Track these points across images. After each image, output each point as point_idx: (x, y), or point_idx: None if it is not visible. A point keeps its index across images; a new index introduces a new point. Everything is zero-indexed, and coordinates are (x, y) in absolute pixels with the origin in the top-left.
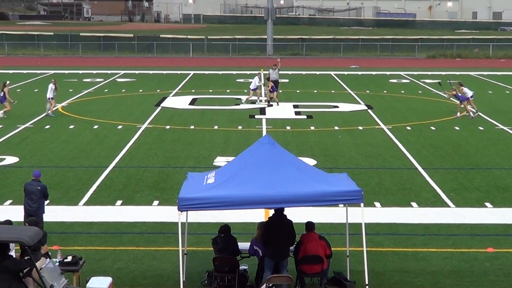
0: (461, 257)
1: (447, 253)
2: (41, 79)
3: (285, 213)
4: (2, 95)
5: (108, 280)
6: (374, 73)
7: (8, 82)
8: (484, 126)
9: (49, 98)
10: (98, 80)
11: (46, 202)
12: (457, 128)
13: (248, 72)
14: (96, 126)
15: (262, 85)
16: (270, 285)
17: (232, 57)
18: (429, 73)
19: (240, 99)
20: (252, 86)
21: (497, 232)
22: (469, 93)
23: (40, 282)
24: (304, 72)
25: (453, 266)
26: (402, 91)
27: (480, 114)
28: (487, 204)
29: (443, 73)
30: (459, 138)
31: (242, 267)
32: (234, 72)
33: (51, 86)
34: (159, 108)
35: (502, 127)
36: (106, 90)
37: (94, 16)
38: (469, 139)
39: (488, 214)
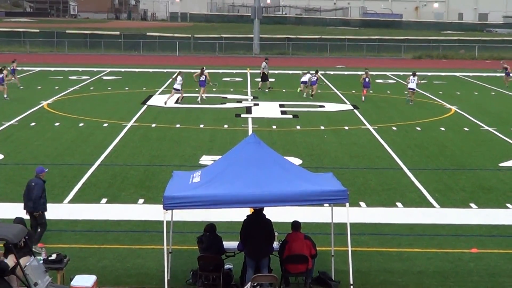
0: (446, 258)
1: (431, 253)
2: (27, 76)
3: (270, 212)
4: (0, 77)
5: (92, 278)
6: (360, 73)
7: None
8: (469, 127)
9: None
10: (84, 77)
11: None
12: (442, 128)
13: (234, 71)
14: (81, 124)
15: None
16: (255, 284)
17: (219, 56)
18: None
19: (226, 97)
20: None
21: (481, 233)
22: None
23: (24, 280)
24: (290, 72)
25: (437, 266)
26: (388, 92)
27: (466, 115)
28: (472, 204)
29: (429, 73)
30: (445, 138)
31: (227, 266)
32: (221, 71)
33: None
34: (145, 106)
35: (487, 128)
36: (92, 88)
37: (80, 13)
38: (454, 139)
39: (473, 214)
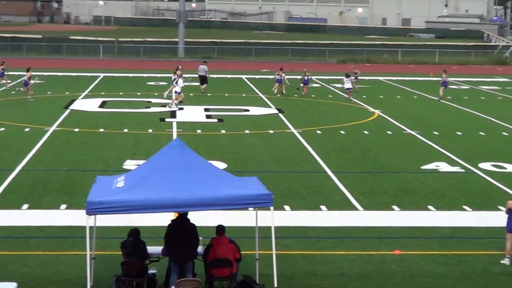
0: (369, 260)
1: (355, 255)
2: None
3: (194, 216)
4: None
5: (13, 285)
6: (287, 77)
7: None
8: (392, 130)
9: None
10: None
11: None
12: (366, 132)
13: (159, 75)
14: (2, 129)
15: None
16: None
17: (143, 60)
18: (339, 77)
19: (150, 101)
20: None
21: (403, 235)
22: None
23: None
24: (215, 76)
25: (360, 268)
26: (313, 95)
27: (389, 118)
28: (395, 207)
29: (353, 77)
30: (368, 142)
31: (150, 271)
32: (145, 75)
33: None
34: (68, 110)
35: (409, 131)
36: (13, 92)
37: (1, 16)
38: (377, 143)
39: (395, 217)
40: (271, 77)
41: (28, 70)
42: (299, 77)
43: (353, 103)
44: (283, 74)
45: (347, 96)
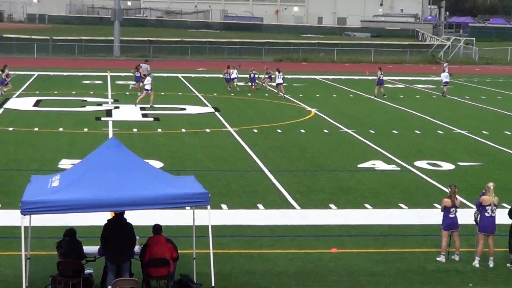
0: (306, 258)
1: (292, 254)
2: None
3: (131, 215)
4: (3, 77)
5: None
6: (221, 76)
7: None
8: (328, 129)
9: None
10: None
11: None
12: (302, 130)
13: (94, 74)
14: None
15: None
16: None
17: (78, 58)
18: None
19: (86, 100)
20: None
21: (340, 233)
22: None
23: None
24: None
25: (298, 267)
26: (249, 94)
27: (325, 117)
28: (331, 205)
29: (290, 76)
30: (305, 140)
31: (87, 271)
32: (80, 74)
33: None
34: (2, 109)
35: (346, 130)
36: None
37: None
38: (314, 141)
39: (332, 215)
40: (207, 75)
41: (4, 68)
42: (247, 75)
43: (289, 101)
44: (232, 71)
45: (276, 91)
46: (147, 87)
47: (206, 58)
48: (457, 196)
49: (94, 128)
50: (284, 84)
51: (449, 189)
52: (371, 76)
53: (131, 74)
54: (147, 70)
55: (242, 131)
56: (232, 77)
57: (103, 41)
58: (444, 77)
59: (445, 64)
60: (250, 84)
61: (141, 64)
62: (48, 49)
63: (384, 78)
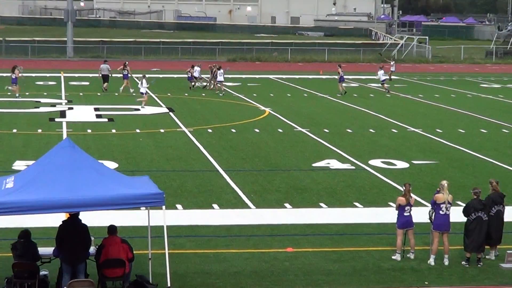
0: (262, 257)
1: (248, 253)
2: None
3: (86, 216)
4: (14, 77)
5: None
6: (175, 76)
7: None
8: (283, 128)
9: None
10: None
11: None
12: (257, 130)
13: (47, 75)
14: None
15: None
16: None
17: (31, 59)
18: (230, 76)
19: (40, 101)
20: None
21: (296, 232)
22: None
23: None
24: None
25: (254, 266)
26: (203, 94)
27: (279, 116)
28: (287, 204)
29: (243, 76)
30: (259, 140)
31: (42, 273)
32: (34, 75)
33: None
34: None
35: (300, 129)
36: None
37: None
38: (268, 141)
39: (288, 214)
40: (161, 76)
41: (14, 69)
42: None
43: (243, 101)
44: (194, 70)
45: (218, 89)
46: (142, 90)
47: (160, 58)
48: (412, 195)
49: (48, 129)
50: (223, 80)
51: (404, 188)
52: (325, 75)
53: (119, 74)
54: (108, 70)
55: (197, 131)
56: (196, 75)
57: (56, 42)
58: (381, 74)
59: (392, 63)
60: (204, 84)
61: (126, 62)
62: (1, 50)
63: (345, 77)
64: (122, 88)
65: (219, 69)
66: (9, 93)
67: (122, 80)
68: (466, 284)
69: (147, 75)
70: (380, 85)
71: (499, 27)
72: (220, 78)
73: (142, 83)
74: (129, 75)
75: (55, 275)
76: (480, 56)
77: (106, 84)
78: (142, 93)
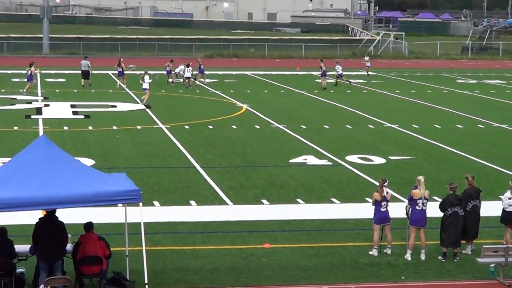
0: (239, 254)
1: (225, 250)
2: None
3: (62, 214)
4: (29, 74)
5: None
6: (152, 72)
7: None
8: (260, 124)
9: None
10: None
11: None
12: (234, 126)
13: (23, 72)
14: None
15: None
16: (48, 287)
17: (7, 56)
18: (207, 72)
19: (15, 98)
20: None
21: (273, 228)
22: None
23: None
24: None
25: (231, 262)
26: (180, 91)
27: (257, 112)
28: (264, 201)
29: (220, 72)
30: (236, 136)
31: (19, 270)
32: (9, 72)
33: None
34: None
35: (277, 125)
36: None
37: None
38: (245, 137)
39: (265, 210)
40: (138, 72)
41: (30, 66)
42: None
43: (220, 97)
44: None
45: (186, 82)
46: (145, 86)
47: (136, 54)
48: (388, 190)
49: (24, 126)
50: (190, 77)
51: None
52: (302, 72)
53: (115, 71)
54: (88, 66)
55: (174, 128)
56: (177, 71)
57: (32, 39)
58: (339, 69)
59: (366, 58)
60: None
61: (121, 59)
62: None
63: (327, 72)
64: (120, 84)
65: (187, 66)
66: None
67: (117, 77)
68: (442, 278)
69: (149, 72)
70: (340, 80)
71: (474, 23)
72: (187, 74)
73: (144, 79)
74: (124, 72)
75: (32, 273)
76: (456, 52)
77: (83, 80)
78: (144, 89)
